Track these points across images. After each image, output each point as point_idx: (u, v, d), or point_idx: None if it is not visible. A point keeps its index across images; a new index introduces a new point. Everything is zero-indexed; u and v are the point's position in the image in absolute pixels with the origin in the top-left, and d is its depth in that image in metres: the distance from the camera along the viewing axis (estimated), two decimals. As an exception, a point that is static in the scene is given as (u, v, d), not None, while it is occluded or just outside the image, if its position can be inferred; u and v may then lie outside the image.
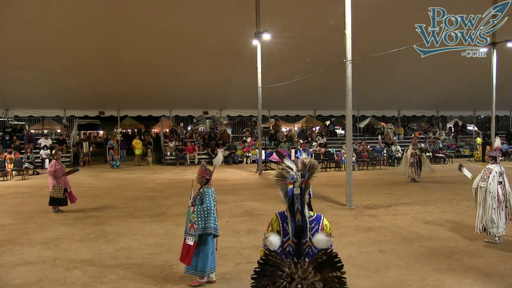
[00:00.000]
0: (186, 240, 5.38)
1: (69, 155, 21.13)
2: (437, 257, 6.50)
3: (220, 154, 6.19)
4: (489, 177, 7.11)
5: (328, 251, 3.15)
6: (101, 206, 10.78)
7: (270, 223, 3.46)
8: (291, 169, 3.33)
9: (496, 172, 7.13)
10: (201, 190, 5.55)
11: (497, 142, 8.53)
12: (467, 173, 7.81)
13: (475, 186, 7.27)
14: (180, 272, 5.89)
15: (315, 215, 3.36)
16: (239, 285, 5.50)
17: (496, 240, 7.16)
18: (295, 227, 3.23)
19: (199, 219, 5.36)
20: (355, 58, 11.29)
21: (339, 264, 3.10)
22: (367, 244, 7.24)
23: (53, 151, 11.28)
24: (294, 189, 3.22)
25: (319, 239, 3.19)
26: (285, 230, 3.30)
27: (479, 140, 24.46)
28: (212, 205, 5.47)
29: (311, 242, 3.26)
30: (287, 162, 3.43)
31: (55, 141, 21.71)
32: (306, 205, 3.24)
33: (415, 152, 14.82)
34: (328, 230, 3.34)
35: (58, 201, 10.06)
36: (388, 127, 26.47)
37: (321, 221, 3.34)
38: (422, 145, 15.97)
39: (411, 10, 16.66)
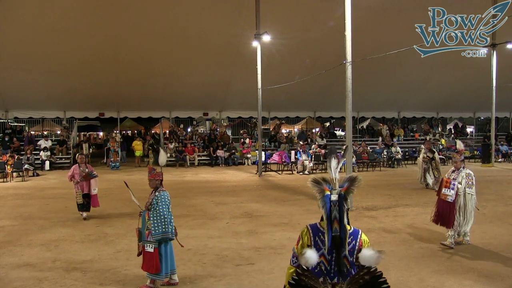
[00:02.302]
0: (146, 248, 5.28)
1: (69, 156, 21.12)
2: (437, 259, 6.49)
3: (163, 152, 6.11)
4: (473, 183, 7.08)
5: (372, 269, 2.75)
6: (100, 208, 10.75)
7: (301, 236, 3.03)
8: (330, 176, 3.00)
9: (474, 176, 7.15)
10: (156, 193, 5.42)
11: (460, 145, 8.43)
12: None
13: (462, 193, 7.03)
14: (180, 274, 5.88)
15: (352, 229, 2.95)
16: (239, 286, 5.49)
17: (468, 241, 7.21)
18: (332, 237, 2.81)
19: (156, 224, 5.23)
20: (355, 59, 11.30)
21: (384, 286, 2.68)
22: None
23: (77, 155, 10.72)
24: (332, 195, 2.87)
25: (367, 255, 2.80)
26: (317, 245, 2.90)
27: (443, 141, 24.38)
28: (167, 209, 5.34)
29: (346, 260, 2.87)
30: (333, 164, 3.03)
31: (55, 143, 21.73)
32: (346, 214, 2.86)
33: (427, 156, 13.67)
34: (366, 246, 2.94)
35: (81, 207, 9.50)
36: (385, 129, 26.49)
37: (359, 236, 2.94)
38: (434, 150, 14.34)
39: (411, 10, 16.71)
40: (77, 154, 11.87)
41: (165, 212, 5.29)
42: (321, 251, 2.87)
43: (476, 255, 6.66)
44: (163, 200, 5.35)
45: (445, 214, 7.03)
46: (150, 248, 5.26)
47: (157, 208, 5.28)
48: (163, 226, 5.25)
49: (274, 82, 18.31)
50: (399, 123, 29.02)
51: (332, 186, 2.92)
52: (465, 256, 6.61)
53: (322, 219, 2.95)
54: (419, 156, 14.65)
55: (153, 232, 5.23)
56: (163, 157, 5.93)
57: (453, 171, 7.25)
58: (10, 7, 16.60)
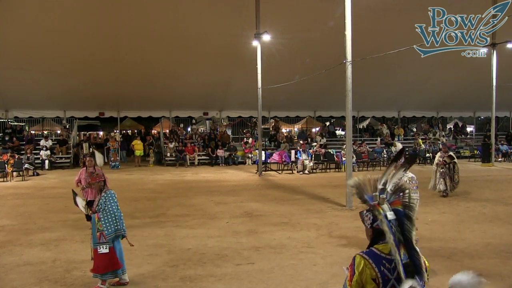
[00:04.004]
0: (99, 250, 5.28)
1: (69, 156, 21.14)
2: (437, 258, 6.48)
3: (99, 154, 6.16)
4: (417, 186, 6.77)
5: None
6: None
7: (355, 270, 2.32)
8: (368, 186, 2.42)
9: (416, 180, 6.83)
10: (103, 194, 5.47)
11: (399, 146, 8.16)
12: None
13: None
14: (180, 273, 5.90)
15: None
16: (239, 285, 5.49)
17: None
18: (404, 266, 2.23)
19: (108, 224, 5.28)
20: (355, 59, 11.30)
21: None
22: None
23: (86, 157, 9.78)
24: (387, 213, 2.29)
25: (465, 283, 2.20)
26: (384, 277, 2.27)
27: (421, 142, 24.35)
28: (116, 207, 5.41)
29: None
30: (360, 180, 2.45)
31: (55, 142, 21.75)
32: (413, 235, 2.33)
33: (444, 160, 11.98)
34: (427, 264, 2.48)
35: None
36: (385, 128, 26.50)
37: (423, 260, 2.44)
38: (452, 153, 12.59)
39: (411, 10, 16.69)
40: (87, 156, 11.13)
41: (114, 210, 5.36)
42: (390, 283, 2.28)
43: (476, 255, 6.66)
44: (111, 198, 5.41)
45: None
46: (105, 249, 5.27)
47: (106, 208, 5.33)
48: (115, 224, 5.32)
49: (274, 82, 18.30)
50: (399, 123, 29.00)
51: (379, 201, 2.34)
52: (465, 256, 6.61)
53: (374, 242, 2.41)
54: (433, 162, 12.96)
55: (106, 232, 5.26)
56: (99, 158, 5.98)
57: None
58: (10, 7, 16.58)
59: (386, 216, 2.27)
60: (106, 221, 5.29)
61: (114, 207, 5.38)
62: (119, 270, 5.42)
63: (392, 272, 2.26)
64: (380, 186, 2.37)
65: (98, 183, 5.60)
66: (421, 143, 23.98)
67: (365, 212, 2.45)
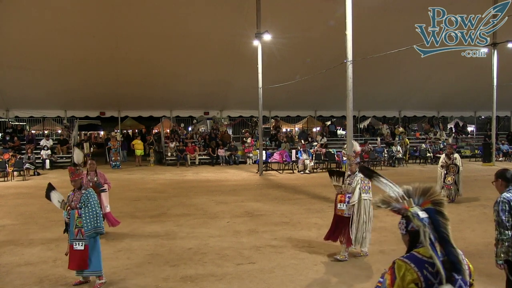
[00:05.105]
0: (75, 246, 5.36)
1: (70, 155, 21.14)
2: (438, 258, 6.47)
3: (77, 151, 6.17)
4: (370, 187, 6.45)
5: None
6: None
7: (396, 275, 2.27)
8: (393, 196, 2.47)
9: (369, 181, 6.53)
10: (83, 191, 5.55)
11: (356, 146, 7.86)
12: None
13: (356, 200, 6.33)
14: (181, 273, 5.90)
15: None
16: (240, 285, 5.50)
17: (366, 252, 6.74)
18: (443, 264, 2.21)
19: (88, 220, 5.34)
20: (356, 58, 11.31)
21: None
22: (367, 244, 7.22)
23: (87, 160, 9.19)
24: (419, 212, 2.33)
25: None
26: (428, 281, 2.22)
27: (407, 141, 24.30)
28: (97, 205, 5.51)
29: None
30: (385, 186, 2.53)
31: (56, 142, 21.77)
32: (448, 230, 2.31)
33: (445, 161, 11.17)
34: (473, 270, 2.45)
35: None
36: (385, 128, 26.51)
37: (462, 258, 2.37)
38: (456, 155, 11.42)
39: (411, 10, 16.70)
40: (88, 160, 10.42)
41: (96, 208, 5.44)
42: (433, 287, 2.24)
43: (476, 254, 6.65)
44: (93, 196, 5.50)
45: (342, 229, 6.53)
46: (80, 246, 5.35)
47: (89, 205, 5.40)
48: (95, 222, 5.38)
49: (275, 81, 18.29)
50: (400, 122, 28.99)
51: (408, 203, 2.39)
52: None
53: (413, 247, 2.38)
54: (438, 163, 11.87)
55: (85, 228, 5.33)
56: (78, 155, 6.01)
57: (349, 176, 6.71)
58: (11, 6, 16.60)
59: (418, 215, 2.30)
60: (87, 217, 5.35)
61: (95, 205, 5.45)
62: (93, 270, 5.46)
63: (435, 277, 2.23)
64: (398, 195, 2.45)
65: (79, 180, 5.66)
66: (407, 142, 24.03)
67: (399, 221, 2.48)
